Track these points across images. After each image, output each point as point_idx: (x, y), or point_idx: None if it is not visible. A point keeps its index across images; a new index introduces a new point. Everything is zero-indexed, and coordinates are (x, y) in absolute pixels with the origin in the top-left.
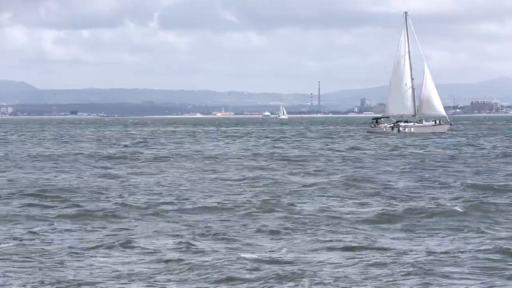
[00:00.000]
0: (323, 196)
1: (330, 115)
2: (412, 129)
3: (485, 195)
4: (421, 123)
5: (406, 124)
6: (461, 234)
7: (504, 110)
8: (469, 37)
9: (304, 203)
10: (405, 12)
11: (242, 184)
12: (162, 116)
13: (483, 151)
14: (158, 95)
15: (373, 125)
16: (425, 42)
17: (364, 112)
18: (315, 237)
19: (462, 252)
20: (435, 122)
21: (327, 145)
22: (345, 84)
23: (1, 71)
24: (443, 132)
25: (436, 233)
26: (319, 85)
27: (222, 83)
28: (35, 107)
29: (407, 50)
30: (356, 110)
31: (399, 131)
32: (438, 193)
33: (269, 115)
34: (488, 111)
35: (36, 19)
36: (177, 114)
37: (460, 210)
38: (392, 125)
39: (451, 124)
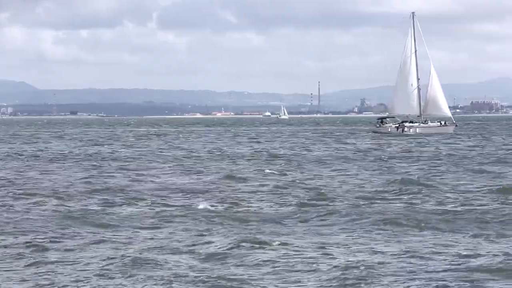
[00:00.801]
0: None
1: (330, 115)
2: (418, 130)
3: (420, 194)
4: (427, 123)
5: (411, 124)
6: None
7: (504, 110)
8: (469, 37)
9: (226, 203)
10: (412, 13)
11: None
12: (162, 116)
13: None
14: (158, 95)
15: (378, 125)
16: (425, 42)
17: (364, 112)
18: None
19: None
20: (441, 123)
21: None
22: (345, 84)
23: (1, 71)
24: (449, 133)
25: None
26: (319, 85)
27: (222, 83)
28: (35, 107)
29: (413, 51)
30: (356, 110)
31: (403, 131)
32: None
33: (269, 115)
34: (488, 111)
35: (36, 19)
36: (177, 114)
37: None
38: (397, 125)
39: (456, 125)
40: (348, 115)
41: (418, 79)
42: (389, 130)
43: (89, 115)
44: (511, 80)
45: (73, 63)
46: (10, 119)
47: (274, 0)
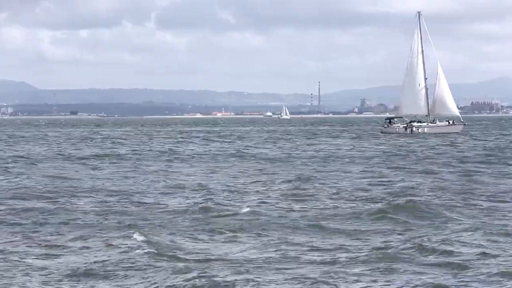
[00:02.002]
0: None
1: (330, 115)
2: (426, 130)
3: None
4: (435, 123)
5: (419, 124)
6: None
7: (505, 110)
8: (469, 37)
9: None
10: (418, 12)
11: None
12: (162, 116)
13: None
14: (158, 95)
15: (386, 126)
16: (426, 42)
17: (364, 113)
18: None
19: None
20: (449, 123)
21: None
22: (345, 84)
23: (1, 71)
24: (457, 133)
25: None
26: (319, 85)
27: (222, 83)
28: (35, 107)
29: (420, 50)
30: (356, 111)
31: (411, 131)
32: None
33: (271, 115)
34: (488, 111)
35: (36, 19)
36: (177, 114)
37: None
38: (405, 125)
39: (464, 125)
40: (348, 115)
41: (425, 78)
42: (397, 130)
43: (89, 115)
44: (511, 80)
45: (73, 63)
46: (10, 119)
47: (274, 0)
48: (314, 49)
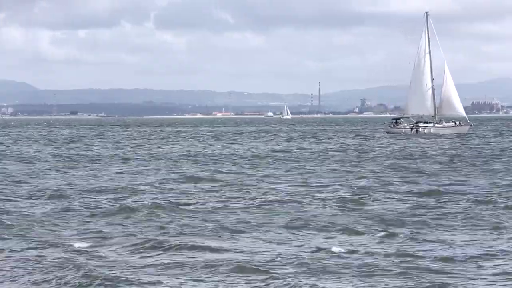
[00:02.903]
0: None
1: (331, 115)
2: (432, 130)
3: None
4: (441, 124)
5: (425, 125)
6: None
7: (505, 110)
8: (469, 37)
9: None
10: (426, 12)
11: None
12: (162, 116)
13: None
14: (158, 95)
15: (392, 126)
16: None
17: (365, 112)
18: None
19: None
20: (455, 123)
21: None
22: (345, 84)
23: (1, 71)
24: (464, 134)
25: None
26: (319, 85)
27: (222, 83)
28: (35, 107)
29: (427, 51)
30: (357, 111)
31: (417, 132)
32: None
33: (272, 115)
34: (488, 111)
35: (36, 19)
36: (177, 114)
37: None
38: (411, 125)
39: (471, 125)
40: (348, 115)
41: (432, 79)
42: (403, 131)
43: (89, 115)
44: (511, 80)
45: (73, 63)
46: (11, 119)
47: (274, 0)
48: (314, 49)
